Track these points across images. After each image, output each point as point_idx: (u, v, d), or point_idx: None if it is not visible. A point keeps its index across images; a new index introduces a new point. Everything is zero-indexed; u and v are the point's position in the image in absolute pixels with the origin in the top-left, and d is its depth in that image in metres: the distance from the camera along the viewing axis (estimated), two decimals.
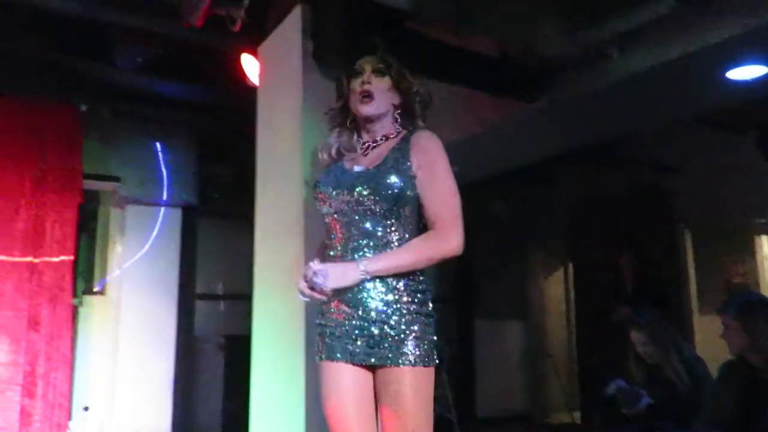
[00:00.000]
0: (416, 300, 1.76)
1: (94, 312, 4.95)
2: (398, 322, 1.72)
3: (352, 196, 1.79)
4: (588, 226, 6.00)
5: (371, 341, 1.73)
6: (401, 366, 1.70)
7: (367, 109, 1.91)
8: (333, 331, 1.80)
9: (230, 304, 5.52)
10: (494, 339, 6.33)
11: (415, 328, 1.73)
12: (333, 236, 1.84)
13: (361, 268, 1.72)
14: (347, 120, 1.99)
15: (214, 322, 5.48)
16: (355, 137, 1.98)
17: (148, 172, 5.18)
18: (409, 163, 1.80)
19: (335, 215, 1.83)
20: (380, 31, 3.31)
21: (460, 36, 3.88)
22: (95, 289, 5.07)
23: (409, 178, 1.79)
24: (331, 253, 1.84)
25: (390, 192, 1.76)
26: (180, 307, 5.24)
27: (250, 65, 3.88)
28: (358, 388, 1.75)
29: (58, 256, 4.36)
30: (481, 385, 6.02)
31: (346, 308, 1.77)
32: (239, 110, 4.10)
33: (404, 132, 1.92)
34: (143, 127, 5.11)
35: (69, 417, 4.37)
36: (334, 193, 1.83)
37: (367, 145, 1.94)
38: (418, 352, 1.71)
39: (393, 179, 1.77)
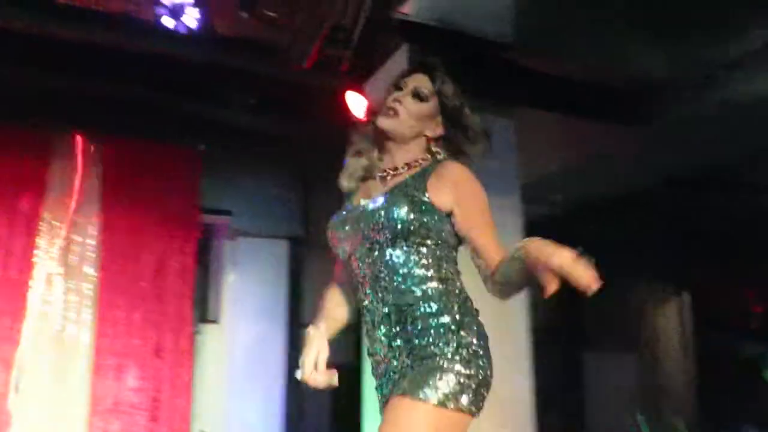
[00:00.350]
0: (466, 332, 1.53)
1: (208, 340, 5.20)
2: (435, 352, 1.50)
3: (358, 232, 1.63)
4: (708, 255, 5.67)
5: (401, 374, 1.55)
6: (417, 399, 1.43)
7: (385, 122, 1.69)
8: (378, 380, 1.64)
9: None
10: (604, 372, 6.07)
11: (455, 361, 1.48)
12: (358, 281, 1.66)
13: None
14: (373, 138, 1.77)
15: None
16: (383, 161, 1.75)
17: (258, 206, 5.42)
18: (425, 191, 1.60)
19: (352, 257, 1.66)
20: (482, 64, 3.35)
21: (561, 65, 3.84)
22: (210, 318, 5.33)
23: (420, 207, 1.58)
24: (362, 300, 1.66)
25: (396, 222, 1.56)
26: (288, 336, 5.40)
27: (355, 102, 4.01)
28: None
29: (179, 287, 4.63)
30: (591, 422, 5.77)
31: (387, 342, 1.59)
32: (344, 145, 4.23)
33: (429, 161, 1.72)
34: (253, 162, 5.36)
35: None
36: (342, 234, 1.68)
37: (386, 174, 1.72)
38: (446, 389, 1.44)
39: (399, 210, 1.57)
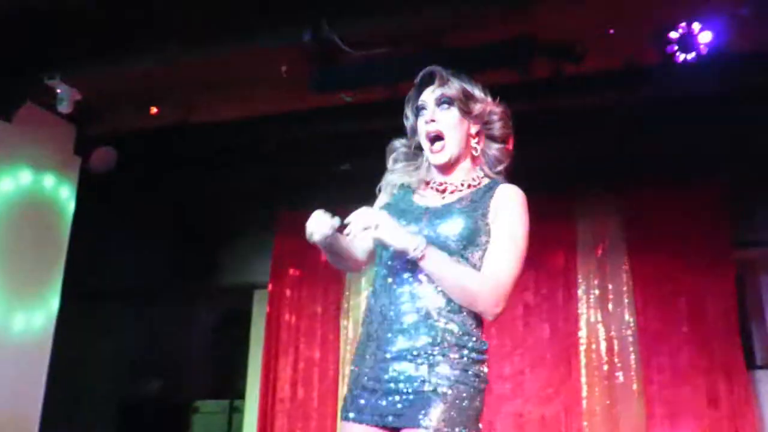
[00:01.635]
0: (468, 359, 1.53)
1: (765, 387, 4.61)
2: (435, 379, 1.50)
3: (416, 232, 1.59)
4: None
5: (400, 398, 1.51)
6: (420, 428, 1.45)
7: (439, 159, 1.69)
8: (366, 384, 1.57)
9: None
10: None
11: (455, 389, 1.49)
12: (379, 286, 1.63)
13: (419, 243, 1.49)
14: (419, 156, 1.77)
15: None
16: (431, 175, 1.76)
17: None
18: (486, 210, 1.62)
19: (389, 262, 1.62)
20: None
21: None
22: (758, 364, 4.75)
23: (477, 224, 1.60)
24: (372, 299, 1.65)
25: (451, 234, 1.57)
26: None
27: None
28: None
29: (723, 330, 4.29)
30: None
31: (383, 355, 1.56)
32: None
33: (488, 180, 1.71)
34: None
35: None
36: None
37: (444, 187, 1.71)
38: (446, 416, 1.45)
39: (459, 221, 1.59)
